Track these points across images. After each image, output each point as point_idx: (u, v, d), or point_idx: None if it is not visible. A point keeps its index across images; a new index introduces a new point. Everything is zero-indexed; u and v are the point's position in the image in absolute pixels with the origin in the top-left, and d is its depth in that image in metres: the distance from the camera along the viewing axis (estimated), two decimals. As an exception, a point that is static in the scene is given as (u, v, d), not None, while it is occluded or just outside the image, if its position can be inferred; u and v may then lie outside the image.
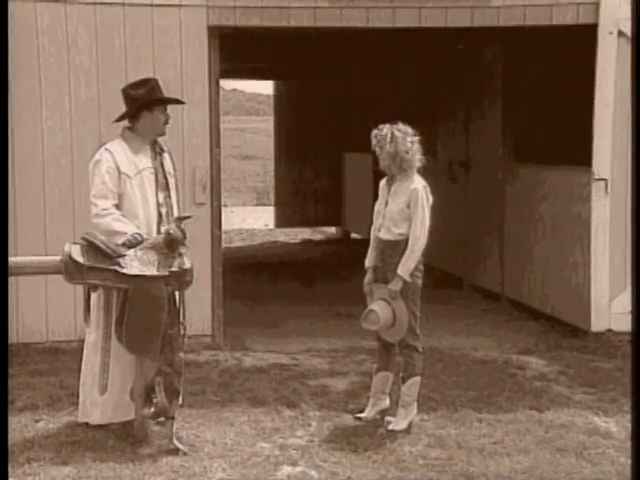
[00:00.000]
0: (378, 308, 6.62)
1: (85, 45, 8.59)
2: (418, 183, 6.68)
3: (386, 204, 6.73)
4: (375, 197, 6.96)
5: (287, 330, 9.70)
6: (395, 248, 6.63)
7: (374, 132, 6.73)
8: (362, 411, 6.91)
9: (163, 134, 6.71)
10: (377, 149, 6.71)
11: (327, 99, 17.27)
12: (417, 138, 6.71)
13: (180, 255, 6.30)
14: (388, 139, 6.62)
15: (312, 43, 11.70)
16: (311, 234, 18.12)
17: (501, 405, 7.19)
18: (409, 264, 6.58)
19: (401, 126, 6.70)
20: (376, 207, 6.85)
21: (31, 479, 5.77)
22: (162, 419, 6.32)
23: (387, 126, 6.70)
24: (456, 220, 11.68)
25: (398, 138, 6.62)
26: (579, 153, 9.27)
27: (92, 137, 8.61)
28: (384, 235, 6.71)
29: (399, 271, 6.58)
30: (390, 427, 6.68)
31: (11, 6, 7.90)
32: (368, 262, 6.85)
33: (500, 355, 8.67)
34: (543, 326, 9.72)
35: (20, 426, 6.61)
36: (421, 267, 6.72)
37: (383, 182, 6.86)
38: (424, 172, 6.84)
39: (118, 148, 6.51)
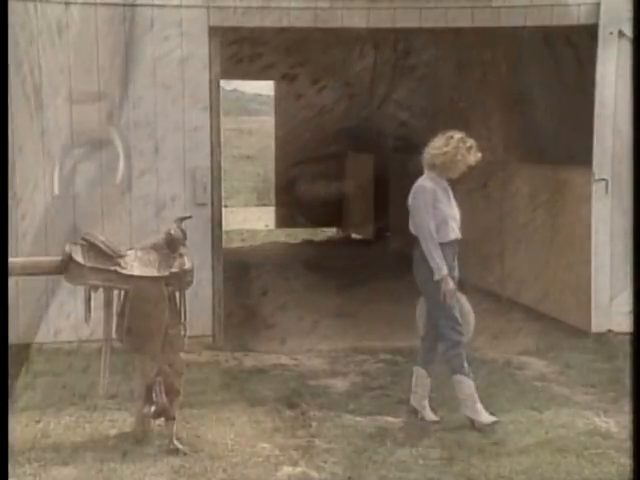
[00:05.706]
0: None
1: (85, 45, 8.60)
2: None
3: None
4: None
5: (288, 330, 9.69)
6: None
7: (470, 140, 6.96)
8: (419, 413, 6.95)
9: None
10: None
11: (327, 99, 17.24)
12: None
13: (181, 255, 6.30)
14: None
15: (313, 43, 11.70)
16: (312, 235, 18.09)
17: (501, 405, 7.19)
18: None
19: None
20: (447, 211, 6.92)
21: (31, 479, 5.77)
22: (162, 419, 6.32)
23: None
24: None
25: None
26: (579, 153, 9.26)
27: (92, 137, 8.64)
28: (459, 235, 7.01)
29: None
30: (483, 420, 6.66)
31: (11, 6, 7.90)
32: (445, 270, 6.84)
33: (500, 355, 8.66)
34: (543, 326, 9.71)
35: (21, 426, 6.61)
36: None
37: (440, 187, 6.89)
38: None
39: None
